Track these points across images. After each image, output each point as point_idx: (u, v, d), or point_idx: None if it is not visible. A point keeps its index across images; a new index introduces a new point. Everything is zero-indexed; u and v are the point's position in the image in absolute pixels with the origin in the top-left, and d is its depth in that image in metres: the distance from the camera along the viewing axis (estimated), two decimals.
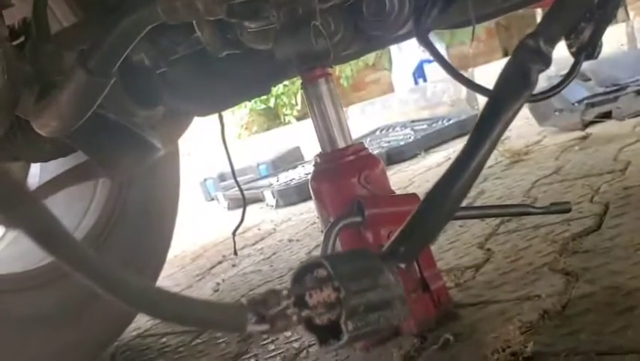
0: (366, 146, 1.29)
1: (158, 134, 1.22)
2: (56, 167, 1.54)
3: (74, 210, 1.77)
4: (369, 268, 0.55)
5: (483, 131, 0.55)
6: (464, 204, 0.62)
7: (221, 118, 1.48)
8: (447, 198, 0.56)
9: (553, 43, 0.59)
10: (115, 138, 1.06)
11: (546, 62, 0.58)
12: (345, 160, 1.25)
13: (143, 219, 1.81)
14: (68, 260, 0.46)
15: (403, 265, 0.56)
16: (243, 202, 1.62)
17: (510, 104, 0.55)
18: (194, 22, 0.99)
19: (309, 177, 1.30)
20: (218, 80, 1.20)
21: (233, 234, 1.59)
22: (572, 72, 0.84)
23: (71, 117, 0.86)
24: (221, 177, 4.81)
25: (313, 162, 1.31)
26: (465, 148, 0.56)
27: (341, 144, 1.27)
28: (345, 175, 1.22)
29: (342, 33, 0.94)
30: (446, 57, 4.29)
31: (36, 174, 1.85)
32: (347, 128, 1.28)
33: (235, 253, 1.79)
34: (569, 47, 0.74)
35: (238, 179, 1.63)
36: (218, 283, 2.11)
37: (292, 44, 0.88)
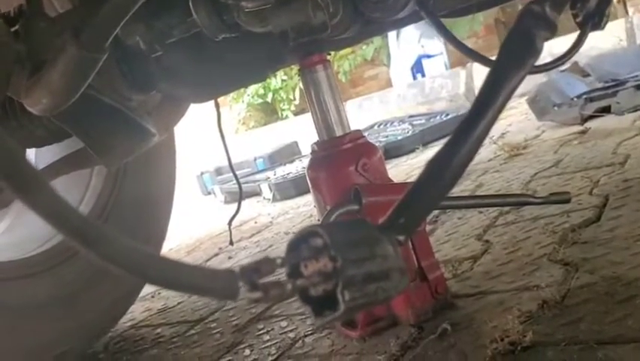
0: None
1: (154, 120, 1.20)
2: (52, 156, 1.52)
3: (70, 199, 1.75)
4: (367, 238, 0.53)
5: (485, 100, 0.53)
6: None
7: (217, 106, 1.46)
8: (447, 169, 0.54)
9: (559, 8, 0.57)
10: (109, 122, 1.04)
11: (552, 28, 0.56)
12: (342, 148, 1.23)
13: (137, 210, 1.80)
14: (53, 221, 0.44)
15: (401, 237, 0.54)
16: (239, 193, 1.61)
17: (514, 72, 0.53)
18: (190, 4, 0.97)
19: (306, 165, 1.28)
20: (214, 65, 1.18)
21: (229, 224, 1.57)
22: (578, 43, 0.81)
23: (63, 94, 0.84)
24: (218, 171, 4.80)
25: (310, 150, 1.29)
26: (467, 117, 0.54)
27: (339, 132, 1.25)
28: (342, 163, 1.21)
29: (340, 15, 0.92)
30: (444, 53, 4.26)
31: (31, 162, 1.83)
32: (345, 115, 1.26)
33: (231, 243, 1.77)
34: (575, 16, 0.72)
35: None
36: None
37: (288, 15, 0.86)
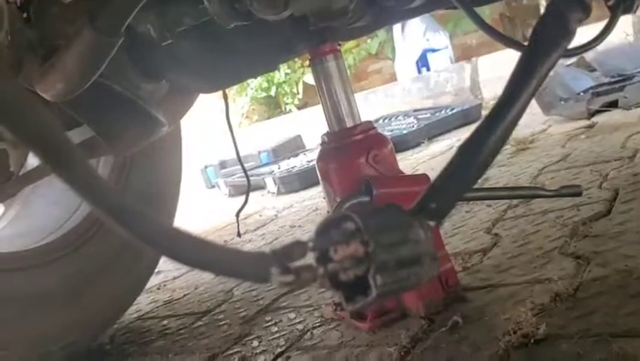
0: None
1: (163, 110, 1.19)
2: None
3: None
4: (399, 222, 0.52)
5: (520, 82, 0.52)
6: None
7: (225, 97, 1.45)
8: (479, 153, 0.53)
9: None
10: (120, 110, 1.03)
11: (585, 10, 0.55)
12: (353, 139, 1.22)
13: (144, 202, 1.79)
14: (89, 197, 0.44)
15: (432, 222, 0.53)
16: (247, 184, 1.60)
17: (548, 54, 0.52)
18: None
19: (316, 156, 1.27)
20: (224, 55, 1.17)
21: (237, 215, 1.56)
22: (610, 26, 0.80)
23: (77, 79, 0.83)
24: (222, 165, 4.79)
25: (320, 142, 1.28)
26: (500, 101, 0.53)
27: (349, 123, 1.24)
28: (352, 154, 1.20)
29: (355, 1, 0.91)
30: (449, 47, 4.24)
31: None
32: (356, 106, 1.25)
33: (239, 234, 1.76)
34: (606, 0, 0.71)
35: (239, 166, 1.60)
36: None
37: None
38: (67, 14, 0.88)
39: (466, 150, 0.54)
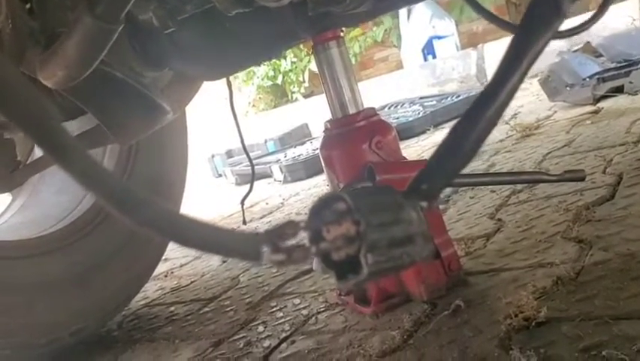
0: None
1: (167, 97, 1.20)
2: None
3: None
4: (391, 202, 0.52)
5: (511, 63, 0.52)
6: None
7: (229, 85, 1.46)
8: (471, 133, 0.53)
9: None
10: (123, 98, 1.04)
11: None
12: (355, 125, 1.22)
13: (150, 191, 1.80)
14: (83, 176, 0.44)
15: (424, 203, 0.54)
16: (251, 171, 1.61)
17: (540, 34, 0.53)
18: None
19: (319, 143, 1.28)
20: (227, 42, 1.17)
21: (242, 203, 1.58)
22: (603, 8, 0.80)
23: (78, 66, 0.83)
24: (229, 154, 4.81)
25: (323, 128, 1.29)
26: (492, 81, 0.53)
27: (352, 110, 1.25)
28: (355, 141, 1.20)
29: None
30: (455, 34, 4.23)
31: None
32: (359, 93, 1.26)
33: (244, 222, 1.78)
34: None
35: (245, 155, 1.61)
36: None
37: None
38: (68, 2, 0.89)
39: (457, 132, 0.54)
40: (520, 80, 0.52)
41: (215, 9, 1.01)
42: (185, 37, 1.12)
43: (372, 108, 1.26)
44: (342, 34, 1.23)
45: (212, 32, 1.13)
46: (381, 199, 0.52)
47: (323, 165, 1.26)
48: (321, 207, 0.51)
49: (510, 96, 0.52)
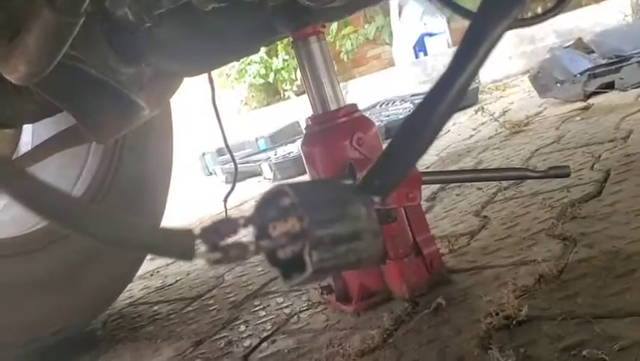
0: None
1: (146, 94, 1.18)
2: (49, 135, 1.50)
3: (66, 178, 1.74)
4: (338, 198, 0.50)
5: (465, 53, 0.50)
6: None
7: (211, 81, 1.44)
8: (425, 127, 0.51)
9: None
10: (98, 96, 1.02)
11: None
12: (336, 122, 1.21)
13: (134, 189, 1.78)
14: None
15: (376, 198, 0.52)
16: (234, 170, 1.59)
17: (496, 22, 0.50)
18: None
19: (301, 140, 1.26)
20: (204, 38, 1.15)
21: (225, 201, 1.56)
22: None
23: (40, 61, 0.81)
24: (220, 152, 4.80)
25: (305, 125, 1.27)
26: (446, 72, 0.51)
27: (333, 106, 1.23)
28: (336, 137, 1.19)
29: None
30: (447, 31, 4.22)
31: (28, 142, 1.82)
32: (340, 88, 1.24)
33: None
34: None
35: (237, 153, 1.60)
36: None
37: None
38: None
39: (409, 124, 0.53)
40: (477, 70, 0.50)
41: (191, 4, 0.99)
42: (162, 33, 1.09)
43: (354, 104, 1.24)
44: (322, 29, 1.21)
45: (189, 28, 1.11)
46: (328, 194, 0.50)
47: (304, 162, 1.25)
48: (267, 202, 0.49)
49: (465, 87, 0.50)
